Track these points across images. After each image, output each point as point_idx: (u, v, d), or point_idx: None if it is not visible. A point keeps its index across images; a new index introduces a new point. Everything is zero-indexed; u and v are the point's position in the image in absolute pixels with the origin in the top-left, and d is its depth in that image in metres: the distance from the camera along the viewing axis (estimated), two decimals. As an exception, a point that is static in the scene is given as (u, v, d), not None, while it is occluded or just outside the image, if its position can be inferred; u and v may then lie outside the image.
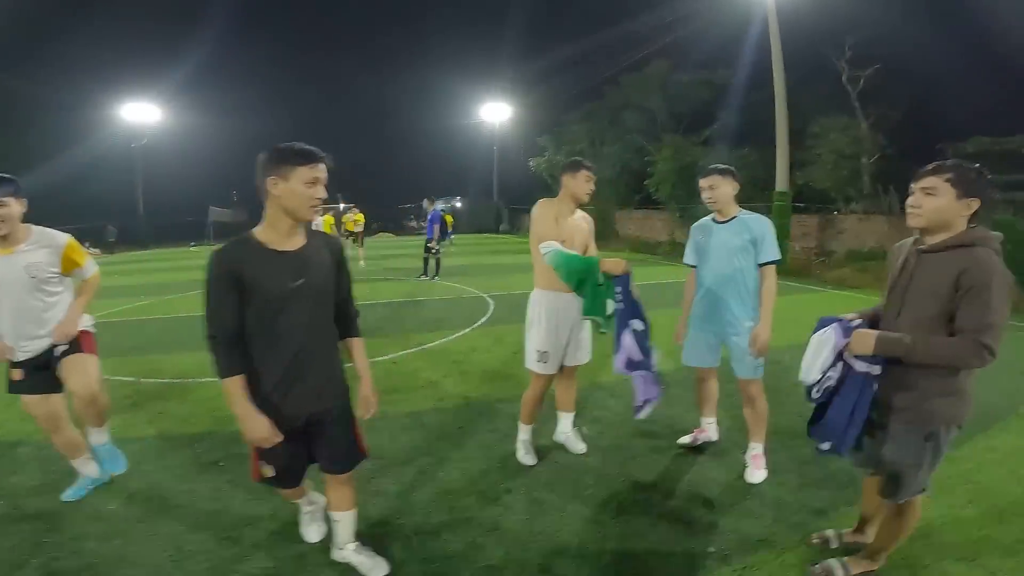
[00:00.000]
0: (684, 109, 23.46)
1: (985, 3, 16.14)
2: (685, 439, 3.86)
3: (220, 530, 2.93)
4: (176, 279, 14.37)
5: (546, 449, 3.86)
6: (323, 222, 19.37)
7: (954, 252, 2.03)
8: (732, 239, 3.33)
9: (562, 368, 3.62)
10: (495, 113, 36.20)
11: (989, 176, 2.04)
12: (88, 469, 3.29)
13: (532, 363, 3.54)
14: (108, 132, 30.92)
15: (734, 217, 3.38)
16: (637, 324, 3.06)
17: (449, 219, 21.50)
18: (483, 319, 8.32)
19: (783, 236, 14.31)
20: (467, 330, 7.66)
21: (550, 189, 29.15)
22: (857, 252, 14.80)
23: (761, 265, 3.33)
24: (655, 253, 20.62)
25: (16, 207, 2.81)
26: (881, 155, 16.58)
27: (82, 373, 3.03)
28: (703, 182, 3.35)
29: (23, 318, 2.91)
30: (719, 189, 3.32)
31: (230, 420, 4.42)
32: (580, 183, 3.39)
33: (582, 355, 3.63)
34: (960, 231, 2.05)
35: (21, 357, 2.96)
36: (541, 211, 3.39)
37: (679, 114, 23.73)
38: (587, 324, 3.52)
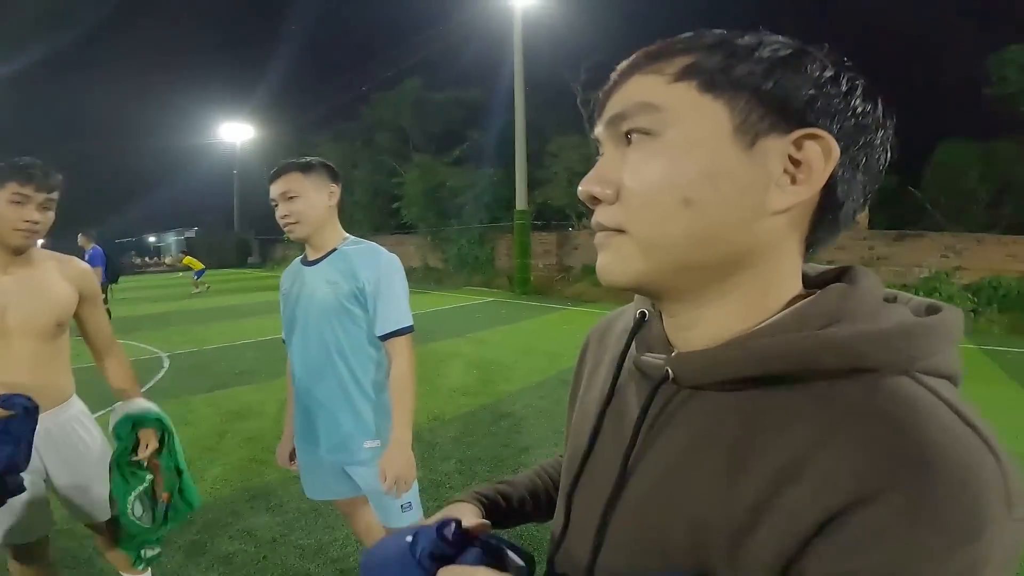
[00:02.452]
0: (436, 128, 23.18)
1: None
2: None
3: None
4: None
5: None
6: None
7: (807, 393, 0.46)
8: (323, 291, 1.92)
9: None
10: (235, 133, 32.73)
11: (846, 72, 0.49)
12: None
13: None
14: None
15: (333, 251, 1.98)
16: None
17: (190, 261, 18.23)
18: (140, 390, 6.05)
19: (523, 254, 14.30)
20: (106, 410, 5.38)
21: (298, 216, 27.16)
22: (591, 267, 15.19)
23: (382, 338, 1.93)
24: (409, 280, 19.45)
25: None
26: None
27: None
28: (273, 189, 1.92)
29: None
30: (303, 198, 1.89)
31: None
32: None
33: (89, 508, 2.10)
34: (803, 288, 0.54)
35: None
36: None
37: (431, 133, 23.39)
38: (79, 457, 2.04)
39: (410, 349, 1.95)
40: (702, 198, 0.48)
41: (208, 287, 17.25)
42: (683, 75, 0.49)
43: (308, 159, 1.96)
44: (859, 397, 0.43)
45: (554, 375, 6.23)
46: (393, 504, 1.95)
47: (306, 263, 2.01)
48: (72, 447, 2.00)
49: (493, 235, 18.01)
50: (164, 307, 13.73)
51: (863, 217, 11.90)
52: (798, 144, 0.48)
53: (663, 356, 0.55)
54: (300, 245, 2.06)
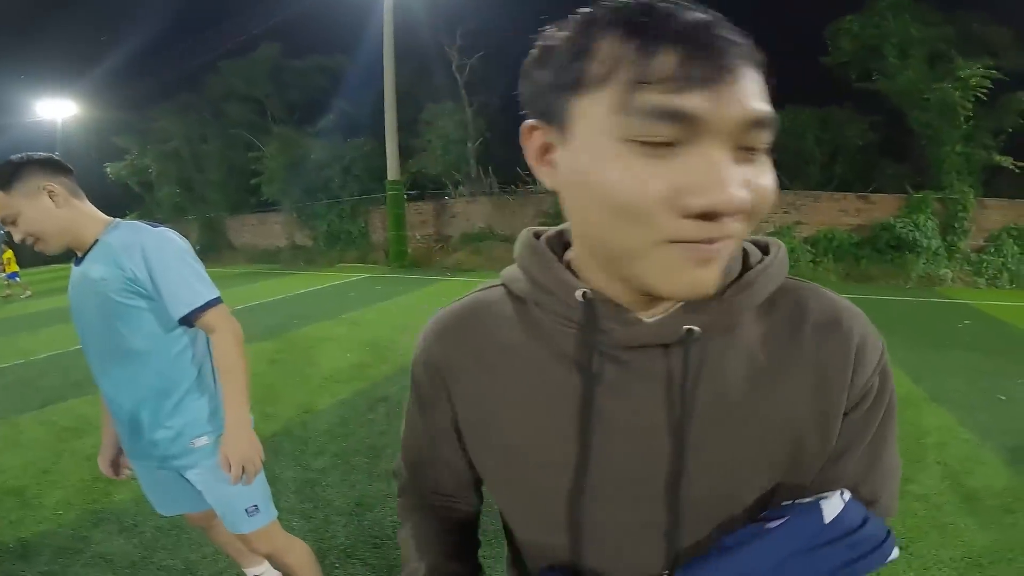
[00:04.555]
0: (297, 98, 21.67)
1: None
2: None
3: None
4: None
5: None
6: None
7: (772, 315, 0.60)
8: (94, 292, 1.66)
9: None
10: (57, 110, 28.77)
11: None
12: None
13: None
14: None
15: (95, 243, 1.69)
16: None
17: (9, 255, 15.49)
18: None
19: (398, 226, 13.98)
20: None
21: (140, 199, 24.88)
22: (469, 235, 15.42)
23: (184, 322, 1.69)
24: (276, 262, 18.70)
25: None
26: (483, 139, 17.47)
27: None
28: None
29: None
30: (23, 216, 1.60)
31: None
32: None
33: None
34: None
35: None
36: None
37: (292, 103, 21.87)
38: None
39: (227, 319, 1.73)
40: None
41: (30, 293, 14.61)
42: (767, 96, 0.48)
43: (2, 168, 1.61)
44: (803, 302, 0.60)
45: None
46: (237, 508, 1.81)
47: (76, 262, 1.73)
48: None
49: (366, 208, 17.40)
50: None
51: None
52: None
53: (672, 318, 0.56)
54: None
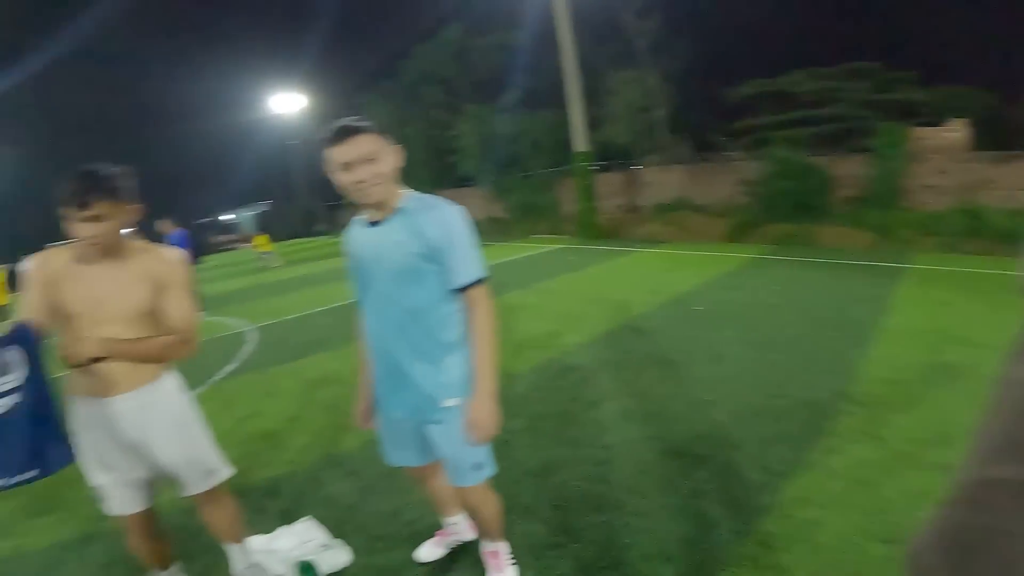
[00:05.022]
0: (483, 76, 22.39)
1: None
2: (422, 551, 2.53)
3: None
4: None
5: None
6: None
7: None
8: (392, 253, 1.87)
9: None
10: (287, 104, 33.03)
11: None
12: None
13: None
14: None
15: (397, 210, 1.89)
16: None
17: (261, 240, 18.82)
18: (229, 367, 6.09)
19: (587, 198, 13.92)
20: (195, 392, 5.29)
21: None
22: (662, 204, 14.81)
23: (460, 291, 1.89)
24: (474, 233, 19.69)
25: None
26: (672, 105, 16.72)
27: None
28: (344, 151, 1.75)
29: None
30: (383, 160, 1.79)
31: None
32: (73, 225, 1.83)
33: (193, 479, 2.13)
34: None
35: None
36: (30, 269, 1.89)
37: (478, 82, 22.65)
38: (178, 431, 2.08)
39: (488, 298, 1.93)
40: None
41: (282, 263, 17.54)
42: None
43: (367, 122, 1.85)
44: None
45: (622, 324, 5.99)
46: (466, 463, 1.98)
47: (371, 224, 1.94)
48: (167, 422, 2.04)
49: (555, 180, 17.62)
50: (245, 282, 14.36)
51: (964, 138, 10.50)
52: None
53: None
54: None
